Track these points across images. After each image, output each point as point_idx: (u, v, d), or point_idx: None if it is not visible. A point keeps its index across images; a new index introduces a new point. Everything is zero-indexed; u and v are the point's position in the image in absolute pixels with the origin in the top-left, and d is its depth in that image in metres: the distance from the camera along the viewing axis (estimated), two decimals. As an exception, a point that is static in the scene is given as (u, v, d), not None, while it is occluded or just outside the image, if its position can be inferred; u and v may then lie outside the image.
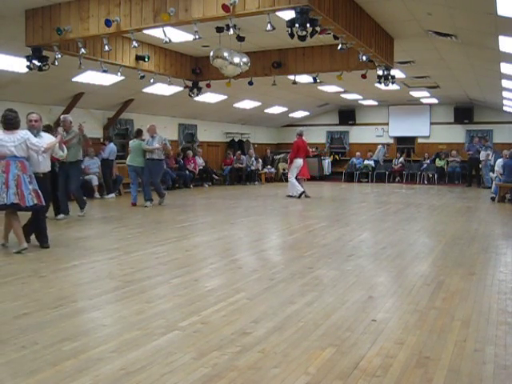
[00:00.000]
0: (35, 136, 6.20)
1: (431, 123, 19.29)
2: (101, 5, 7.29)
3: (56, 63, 8.34)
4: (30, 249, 5.93)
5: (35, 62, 8.12)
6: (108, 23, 7.13)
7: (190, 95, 12.10)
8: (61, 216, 8.52)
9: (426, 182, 18.10)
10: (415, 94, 16.62)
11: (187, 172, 15.50)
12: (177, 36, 8.81)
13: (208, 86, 11.73)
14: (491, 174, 13.93)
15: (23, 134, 5.83)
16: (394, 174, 18.79)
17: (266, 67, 11.12)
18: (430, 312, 3.76)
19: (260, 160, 18.37)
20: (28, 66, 8.21)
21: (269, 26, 6.54)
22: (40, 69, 8.23)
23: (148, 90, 12.51)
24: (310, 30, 6.46)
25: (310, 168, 13.66)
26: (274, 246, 6.76)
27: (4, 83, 9.96)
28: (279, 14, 7.01)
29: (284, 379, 2.64)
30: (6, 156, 5.67)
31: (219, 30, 8.41)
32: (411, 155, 19.52)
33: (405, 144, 19.90)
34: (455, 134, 18.83)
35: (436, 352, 3.01)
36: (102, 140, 12.99)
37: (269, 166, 19.12)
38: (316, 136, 20.66)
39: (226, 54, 8.50)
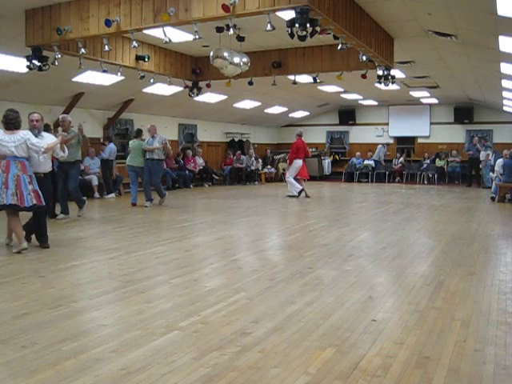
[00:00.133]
0: (36, 136, 6.21)
1: (431, 123, 19.30)
2: (101, 5, 7.29)
3: (56, 63, 8.34)
4: (30, 249, 5.93)
5: (35, 61, 8.12)
6: (108, 23, 7.14)
7: (190, 95, 12.11)
8: (60, 216, 8.52)
9: (426, 181, 18.10)
10: (415, 94, 16.63)
11: (187, 172, 15.51)
12: (177, 36, 8.81)
13: (208, 86, 11.73)
14: (491, 173, 13.93)
15: (24, 134, 5.82)
16: (393, 174, 18.80)
17: (265, 67, 11.12)
18: (429, 312, 3.76)
19: (260, 160, 18.37)
20: (28, 66, 8.21)
21: (269, 26, 6.54)
22: (40, 69, 8.23)
23: (148, 90, 12.51)
24: (310, 29, 6.46)
25: (309, 168, 13.69)
26: (273, 246, 6.76)
27: (4, 83, 9.96)
28: (279, 13, 7.02)
29: (284, 379, 2.64)
30: (6, 156, 5.68)
31: (219, 29, 8.42)
32: (411, 155, 19.52)
33: (405, 144, 19.91)
34: (455, 134, 18.83)
35: (436, 352, 3.01)
36: (101, 140, 12.99)
37: (269, 166, 19.12)
38: (316, 136, 20.67)
39: (226, 54, 8.50)
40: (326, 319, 3.57)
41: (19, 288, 4.35)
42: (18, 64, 9.09)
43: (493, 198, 12.14)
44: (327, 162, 20.19)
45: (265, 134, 21.40)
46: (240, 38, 8.64)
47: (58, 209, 8.66)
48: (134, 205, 10.48)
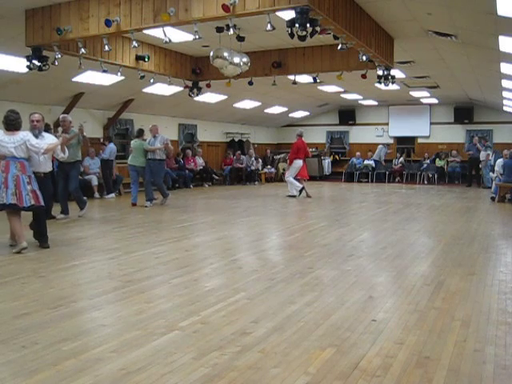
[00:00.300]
0: (37, 136, 6.24)
1: (431, 123, 19.30)
2: (101, 5, 7.29)
3: (56, 63, 8.34)
4: (29, 249, 5.93)
5: (35, 62, 8.12)
6: (108, 23, 7.13)
7: (190, 95, 12.11)
8: (60, 216, 8.52)
9: (426, 181, 18.10)
10: (415, 94, 16.63)
11: (187, 172, 15.51)
12: (177, 36, 8.81)
13: (208, 86, 11.73)
14: (491, 173, 13.93)
15: (23, 135, 5.85)
16: (393, 174, 18.80)
17: (266, 67, 11.12)
18: (429, 312, 3.76)
19: (260, 160, 18.37)
20: (28, 66, 8.20)
21: (269, 26, 6.53)
22: (40, 69, 8.22)
23: (148, 90, 12.51)
24: (310, 29, 6.45)
25: (309, 168, 13.69)
26: (273, 246, 6.76)
27: (4, 83, 9.96)
28: (279, 13, 7.02)
29: (284, 379, 2.64)
30: (6, 156, 5.70)
31: (219, 29, 8.41)
32: (411, 155, 19.52)
33: (405, 144, 19.90)
34: (455, 134, 18.84)
35: (436, 352, 3.01)
36: (101, 140, 13.00)
37: (269, 166, 19.12)
38: (316, 136, 20.67)
39: (226, 54, 8.50)
40: (325, 319, 3.57)
41: (19, 288, 4.35)
42: (18, 64, 9.09)
43: (493, 198, 12.14)
44: (327, 162, 20.19)
45: (265, 134, 21.41)
46: (240, 38, 8.64)
47: (58, 209, 8.64)
48: (134, 205, 10.48)
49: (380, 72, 9.94)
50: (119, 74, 9.73)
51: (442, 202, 11.99)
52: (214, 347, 3.06)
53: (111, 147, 12.56)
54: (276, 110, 18.49)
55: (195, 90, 11.90)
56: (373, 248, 6.31)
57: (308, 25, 6.17)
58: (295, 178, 12.66)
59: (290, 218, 9.65)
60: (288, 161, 13.29)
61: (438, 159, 18.21)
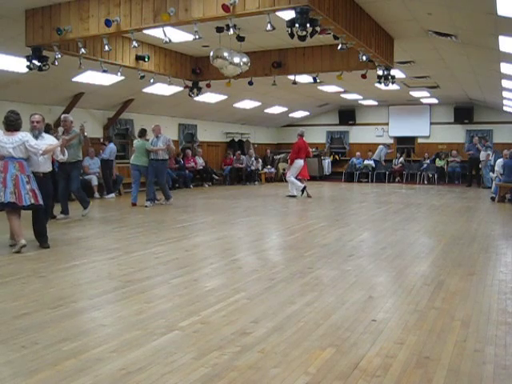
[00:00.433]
0: (37, 137, 6.28)
1: (431, 123, 19.30)
2: (101, 5, 7.29)
3: (56, 63, 8.34)
4: (30, 249, 5.94)
5: (35, 61, 8.12)
6: (108, 23, 7.13)
7: (190, 95, 12.11)
8: (60, 216, 8.52)
9: (426, 181, 18.10)
10: (415, 93, 16.63)
11: (187, 172, 15.51)
12: (177, 36, 8.81)
13: (208, 86, 11.73)
14: (491, 173, 13.93)
15: (22, 135, 5.89)
16: (393, 174, 18.80)
17: (266, 67, 11.12)
18: (429, 312, 3.76)
19: (260, 160, 18.37)
20: (28, 66, 8.20)
21: (269, 26, 6.53)
22: (40, 69, 8.22)
23: (148, 90, 12.51)
24: (310, 29, 6.45)
25: (309, 168, 13.66)
26: (273, 246, 6.76)
27: (4, 83, 9.96)
28: (279, 13, 7.01)
29: (284, 379, 2.65)
30: (4, 157, 5.75)
31: (219, 29, 8.41)
32: (411, 155, 19.52)
33: (405, 144, 19.90)
34: (455, 134, 18.84)
35: (436, 352, 3.01)
36: (101, 140, 13.00)
37: (269, 166, 19.12)
38: (316, 136, 20.67)
39: (226, 54, 8.50)
40: (326, 319, 3.57)
41: (19, 288, 4.35)
42: (18, 64, 9.09)
43: (493, 198, 12.14)
44: (327, 162, 20.19)
45: (265, 134, 21.41)
46: (240, 38, 8.64)
47: (59, 209, 8.65)
48: (133, 205, 10.49)
49: (380, 72, 9.94)
50: (119, 73, 9.73)
51: (442, 202, 11.99)
52: (214, 347, 3.06)
53: (111, 147, 12.56)
54: (276, 109, 18.49)
55: (195, 90, 11.90)
56: (373, 248, 6.32)
57: (308, 25, 6.17)
58: (296, 178, 12.65)
59: (290, 217, 9.65)
60: (289, 161, 13.28)
61: (438, 159, 18.21)
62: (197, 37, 7.08)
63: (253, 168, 17.58)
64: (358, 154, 19.46)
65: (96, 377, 2.66)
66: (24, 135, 5.90)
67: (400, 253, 5.94)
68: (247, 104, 16.64)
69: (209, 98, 14.51)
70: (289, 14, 6.43)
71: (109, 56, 9.23)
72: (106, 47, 7.73)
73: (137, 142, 10.80)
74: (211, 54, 8.56)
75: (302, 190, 12.42)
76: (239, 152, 17.84)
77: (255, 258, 5.83)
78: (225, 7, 6.33)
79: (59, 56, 8.17)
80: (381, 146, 18.97)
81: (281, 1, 6.18)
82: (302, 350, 3.02)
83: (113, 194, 12.51)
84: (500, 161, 12.36)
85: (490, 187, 13.68)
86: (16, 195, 5.67)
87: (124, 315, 3.67)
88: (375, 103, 19.27)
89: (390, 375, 2.69)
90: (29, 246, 6.06)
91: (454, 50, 9.47)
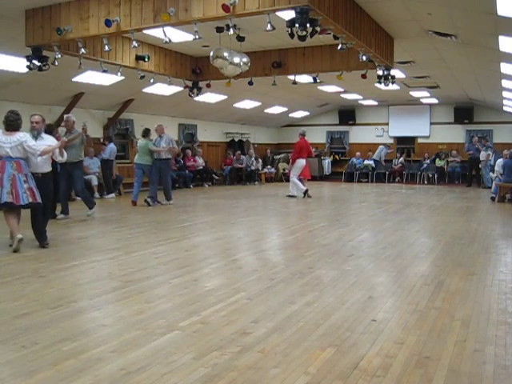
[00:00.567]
0: (36, 137, 6.30)
1: (431, 123, 19.30)
2: (101, 5, 7.29)
3: (56, 63, 8.34)
4: (30, 249, 5.95)
5: (35, 61, 8.12)
6: (108, 23, 7.13)
7: (190, 95, 12.11)
8: (60, 216, 8.52)
9: (426, 181, 18.10)
10: (415, 93, 16.63)
11: (187, 172, 15.51)
12: (177, 36, 8.81)
13: (208, 86, 11.73)
14: (491, 173, 13.93)
15: (21, 136, 5.93)
16: (393, 174, 18.80)
17: (266, 67, 11.12)
18: (430, 312, 3.76)
19: (260, 160, 18.37)
20: (28, 66, 8.21)
21: (269, 26, 6.53)
22: (40, 69, 8.22)
23: (148, 90, 12.51)
24: (310, 29, 6.45)
25: (310, 168, 13.61)
26: (273, 246, 6.76)
27: (4, 83, 9.96)
28: (279, 13, 7.01)
29: (284, 379, 2.64)
30: (2, 157, 5.81)
31: (219, 29, 8.41)
32: (411, 155, 19.52)
33: (405, 144, 19.91)
34: (455, 134, 18.84)
35: (436, 352, 3.01)
36: (102, 140, 13.00)
37: (269, 166, 19.12)
38: (316, 136, 20.67)
39: (226, 54, 8.50)
40: (326, 319, 3.57)
41: (19, 288, 4.35)
42: (18, 64, 9.09)
43: (493, 198, 12.14)
44: (327, 162, 20.19)
45: (265, 134, 21.40)
46: (240, 38, 8.64)
47: (58, 209, 8.65)
48: (133, 203, 10.51)
49: (380, 72, 9.94)
50: (119, 73, 9.73)
51: (442, 202, 11.99)
52: (214, 347, 3.06)
53: (111, 147, 12.56)
54: (276, 109, 18.49)
55: (195, 90, 11.90)
56: (373, 248, 6.31)
57: (308, 25, 6.17)
58: (298, 178, 12.61)
59: (290, 217, 9.65)
60: (290, 160, 13.23)
61: (438, 159, 18.21)
62: (197, 37, 7.09)
63: (253, 168, 17.59)
64: (358, 154, 19.46)
65: (96, 377, 2.66)
66: (22, 135, 5.94)
67: (400, 253, 5.94)
68: (247, 104, 16.64)
69: (209, 98, 14.51)
70: (289, 14, 6.43)
71: (109, 56, 9.23)
72: (106, 47, 7.73)
73: (140, 142, 10.87)
74: (211, 54, 8.56)
75: (304, 193, 12.36)
76: (239, 152, 17.84)
77: (255, 258, 5.83)
78: (225, 7, 6.33)
79: (59, 56, 8.18)
80: (381, 146, 18.95)
81: (281, 1, 6.19)
82: (301, 350, 3.02)
83: (113, 194, 12.52)
84: (500, 161, 12.36)
85: (490, 187, 13.68)
86: (13, 195, 5.72)
87: (124, 315, 3.67)
88: (375, 103, 19.27)
89: (390, 375, 2.69)
90: (29, 246, 6.06)
91: (454, 49, 9.47)
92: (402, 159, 18.93)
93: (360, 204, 11.67)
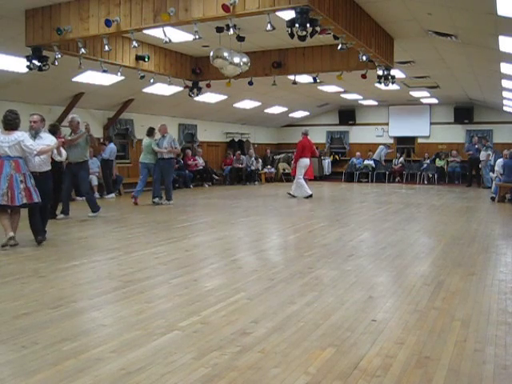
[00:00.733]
0: (34, 136, 6.36)
1: (431, 123, 19.30)
2: (101, 5, 7.29)
3: (56, 63, 8.34)
4: (30, 248, 5.97)
5: (35, 61, 8.12)
6: (108, 23, 7.13)
7: (190, 95, 12.11)
8: (60, 216, 8.52)
9: (426, 181, 18.10)
10: (415, 93, 16.63)
11: (187, 172, 15.52)
12: (177, 36, 8.81)
13: (208, 86, 11.73)
14: (491, 173, 13.92)
15: (19, 135, 6.00)
16: (393, 174, 18.80)
17: (266, 67, 11.12)
18: (430, 312, 3.76)
19: (260, 160, 18.37)
20: (28, 66, 8.20)
21: (269, 26, 6.53)
22: (40, 69, 8.22)
23: (148, 90, 12.51)
24: (310, 30, 6.45)
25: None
26: (273, 246, 6.76)
27: (4, 83, 9.96)
28: (279, 13, 7.01)
29: (284, 379, 2.64)
30: (1, 156, 5.88)
31: (219, 29, 8.41)
32: (411, 155, 19.52)
33: (405, 144, 19.91)
34: (455, 134, 18.84)
35: (436, 352, 3.01)
36: (102, 140, 13.01)
37: (269, 166, 19.12)
38: (316, 136, 20.64)
39: (226, 54, 8.50)
40: (326, 319, 3.57)
41: (19, 288, 4.35)
42: (18, 64, 9.09)
43: (493, 198, 12.14)
44: (327, 162, 20.18)
45: (265, 134, 21.40)
46: (240, 38, 8.64)
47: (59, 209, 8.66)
48: (133, 197, 10.59)
49: (380, 72, 9.94)
50: (119, 73, 9.73)
51: (442, 202, 11.99)
52: (214, 347, 3.06)
53: (111, 147, 12.57)
54: (276, 109, 18.49)
55: (195, 90, 11.90)
56: (373, 248, 6.31)
57: (308, 25, 6.17)
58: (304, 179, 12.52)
59: (290, 217, 9.64)
60: (293, 160, 13.13)
61: (438, 159, 18.21)
62: (197, 37, 7.08)
63: (253, 168, 17.59)
64: (358, 154, 19.46)
65: (96, 377, 2.66)
66: (20, 135, 6.01)
67: (400, 253, 5.94)
68: (247, 104, 16.64)
69: (209, 98, 14.51)
70: (289, 14, 6.43)
71: (109, 56, 9.23)
72: (106, 47, 7.73)
73: (145, 141, 11.00)
74: (211, 54, 8.56)
75: (307, 198, 12.27)
76: (239, 152, 17.84)
77: (255, 258, 5.83)
78: (225, 7, 6.33)
79: (59, 56, 8.18)
80: (381, 146, 18.94)
81: (281, 1, 6.18)
82: (301, 350, 3.02)
83: (113, 194, 12.52)
84: (500, 161, 12.36)
85: (490, 187, 13.68)
86: (8, 196, 5.81)
87: (124, 315, 3.67)
88: (375, 103, 19.27)
89: (390, 375, 2.69)
90: (29, 246, 6.08)
91: (454, 49, 9.47)
92: (401, 159, 18.93)
93: (360, 204, 11.67)
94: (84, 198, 9.17)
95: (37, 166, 6.31)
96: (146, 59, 9.87)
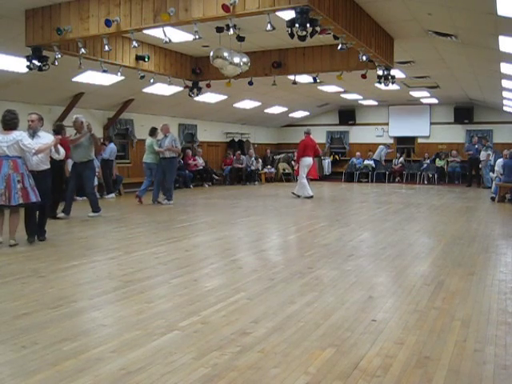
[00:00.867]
0: (32, 136, 6.39)
1: (431, 123, 19.30)
2: (101, 5, 7.29)
3: (56, 63, 8.34)
4: (30, 249, 5.97)
5: (35, 61, 8.12)
6: (108, 23, 7.13)
7: (190, 95, 12.10)
8: (61, 215, 8.54)
9: (426, 181, 18.10)
10: (415, 93, 16.63)
11: (187, 172, 15.52)
12: (177, 36, 8.81)
13: (208, 86, 11.73)
14: (491, 173, 13.93)
15: (17, 134, 6.06)
16: (393, 174, 18.80)
17: (266, 67, 11.12)
18: (430, 312, 3.76)
19: (260, 160, 18.36)
20: (28, 66, 8.20)
21: (269, 26, 6.53)
22: (40, 69, 8.22)
23: (148, 90, 12.51)
24: (310, 30, 6.45)
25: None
26: (273, 246, 6.76)
27: (4, 83, 9.96)
28: (279, 13, 7.01)
29: (284, 379, 2.64)
30: (0, 155, 5.93)
31: (219, 29, 8.41)
32: (411, 155, 19.52)
33: (405, 144, 19.90)
34: (455, 134, 18.83)
35: (436, 352, 3.01)
36: (102, 140, 13.00)
37: (269, 166, 19.12)
38: (316, 136, 20.58)
39: (226, 54, 8.50)
40: (326, 319, 3.57)
41: (19, 288, 4.35)
42: (18, 64, 9.09)
43: (493, 198, 12.14)
44: (327, 162, 20.19)
45: (265, 134, 21.40)
46: (240, 38, 8.63)
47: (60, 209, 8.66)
48: (137, 197, 10.62)
49: (380, 72, 9.94)
50: (119, 74, 9.73)
51: (442, 202, 11.99)
52: (214, 347, 3.06)
53: (111, 147, 12.57)
54: (276, 109, 18.49)
55: (195, 90, 11.89)
56: (373, 248, 6.31)
57: (308, 25, 6.16)
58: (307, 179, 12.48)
59: (290, 217, 9.64)
60: (295, 159, 13.05)
61: (438, 159, 18.21)
62: (197, 37, 7.08)
63: (253, 168, 17.58)
64: (358, 154, 19.46)
65: (96, 377, 2.66)
66: (18, 134, 6.06)
67: (400, 253, 5.94)
68: (247, 104, 16.64)
69: (209, 97, 14.51)
70: (289, 14, 6.43)
71: (109, 56, 9.23)
72: (106, 47, 7.73)
73: (148, 141, 11.03)
74: (211, 54, 8.56)
75: (309, 197, 12.26)
76: (239, 152, 17.84)
77: (255, 258, 5.83)
78: (225, 7, 6.33)
79: (59, 56, 8.18)
80: (381, 146, 18.94)
81: (281, 1, 6.18)
82: (302, 350, 3.02)
83: (113, 194, 12.52)
84: (500, 161, 12.36)
85: (490, 187, 13.68)
86: (6, 196, 5.86)
87: (124, 315, 3.67)
88: (375, 103, 19.27)
89: (390, 375, 2.69)
90: (29, 246, 6.07)
91: (454, 50, 9.47)
92: (401, 159, 18.93)
93: (360, 204, 11.67)
94: (84, 198, 9.18)
95: (34, 164, 6.37)
96: (146, 59, 9.87)
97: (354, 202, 12.28)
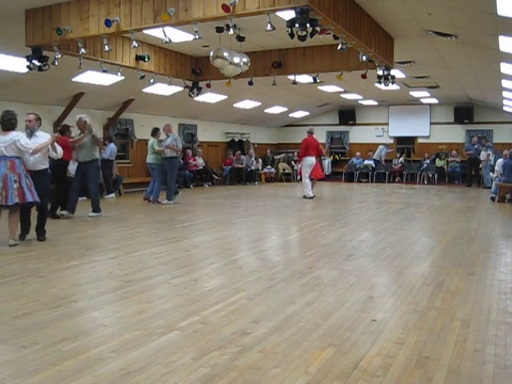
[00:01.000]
0: (30, 135, 6.42)
1: (431, 123, 19.30)
2: (101, 5, 7.29)
3: (56, 63, 8.34)
4: (30, 249, 5.97)
5: (35, 61, 8.12)
6: (108, 23, 7.13)
7: (190, 95, 12.11)
8: (64, 212, 8.56)
9: (426, 181, 18.10)
10: (415, 94, 16.63)
11: (187, 172, 15.52)
12: (177, 36, 8.81)
13: (208, 86, 11.73)
14: (491, 173, 13.92)
15: (14, 135, 6.09)
16: (393, 174, 18.80)
17: (266, 67, 11.12)
18: (430, 312, 3.76)
19: (260, 160, 18.36)
20: (28, 66, 8.20)
21: (269, 26, 6.53)
22: (40, 69, 8.23)
23: (148, 90, 12.51)
24: (310, 29, 6.45)
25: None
26: (273, 246, 6.76)
27: (4, 83, 9.96)
28: (279, 13, 7.01)
29: (284, 379, 2.64)
30: None
31: (219, 30, 8.41)
32: (411, 155, 19.52)
33: (405, 144, 19.90)
34: (455, 134, 18.83)
35: (436, 352, 3.01)
36: (102, 140, 13.00)
37: (269, 166, 19.12)
38: (316, 136, 20.61)
39: (226, 54, 8.50)
40: (326, 319, 3.57)
41: (19, 288, 4.35)
42: (18, 64, 9.09)
43: (493, 198, 12.14)
44: (327, 162, 20.17)
45: (265, 134, 21.40)
46: (240, 38, 8.64)
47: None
48: (145, 199, 10.68)
49: (380, 72, 9.93)
50: (119, 74, 9.73)
51: (442, 202, 11.99)
52: (214, 347, 3.06)
53: (111, 147, 12.56)
54: (276, 109, 18.49)
55: (195, 90, 11.89)
56: (373, 248, 6.31)
57: (308, 25, 6.16)
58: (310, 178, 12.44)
59: (290, 217, 9.64)
60: (298, 159, 13.00)
61: (438, 159, 18.21)
62: (197, 37, 7.08)
63: (253, 168, 17.58)
64: (358, 154, 19.47)
65: (96, 377, 2.66)
66: (15, 134, 6.10)
67: (400, 253, 5.94)
68: (247, 104, 16.64)
69: (209, 97, 14.51)
70: (289, 14, 6.43)
71: (109, 56, 9.23)
72: (106, 47, 7.73)
73: (150, 141, 11.05)
74: (211, 54, 8.56)
75: (309, 197, 12.24)
76: (239, 152, 17.85)
77: (255, 258, 5.83)
78: (225, 7, 6.33)
79: (59, 56, 8.18)
80: (381, 146, 18.94)
81: (281, 1, 6.18)
82: (302, 350, 3.02)
83: (113, 194, 12.51)
84: (500, 161, 12.35)
85: (490, 187, 13.67)
86: (3, 196, 5.90)
87: (124, 315, 3.67)
88: (375, 103, 19.27)
89: (390, 375, 2.69)
90: (29, 246, 6.07)
91: (454, 49, 9.47)
92: (401, 159, 18.93)
93: (360, 204, 11.67)
94: (84, 198, 9.19)
95: (31, 164, 6.40)
96: (146, 59, 9.87)
97: (354, 202, 12.27)
